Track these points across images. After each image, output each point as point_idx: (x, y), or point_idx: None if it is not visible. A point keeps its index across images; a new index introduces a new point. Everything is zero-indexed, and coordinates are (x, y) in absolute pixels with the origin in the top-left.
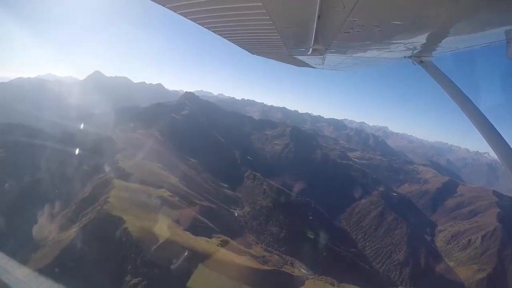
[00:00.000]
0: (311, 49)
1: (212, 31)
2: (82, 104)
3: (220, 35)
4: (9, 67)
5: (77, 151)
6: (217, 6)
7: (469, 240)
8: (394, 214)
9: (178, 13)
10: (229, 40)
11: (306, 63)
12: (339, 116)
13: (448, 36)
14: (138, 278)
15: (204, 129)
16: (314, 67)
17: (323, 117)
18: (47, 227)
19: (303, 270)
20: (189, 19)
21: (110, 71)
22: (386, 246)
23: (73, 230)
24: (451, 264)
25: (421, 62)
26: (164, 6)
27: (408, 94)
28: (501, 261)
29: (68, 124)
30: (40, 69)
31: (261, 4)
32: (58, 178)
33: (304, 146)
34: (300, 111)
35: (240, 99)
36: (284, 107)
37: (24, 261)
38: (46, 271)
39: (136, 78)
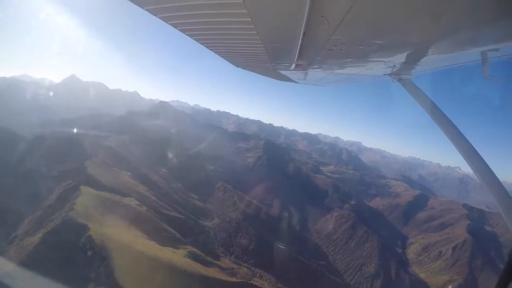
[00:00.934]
0: (294, 64)
1: (196, 40)
2: (56, 107)
3: (205, 45)
4: None
5: (47, 155)
6: (205, 18)
7: (440, 251)
8: (365, 227)
9: (158, 17)
10: (214, 51)
11: (289, 78)
12: (313, 131)
13: (426, 55)
14: (101, 287)
15: (176, 139)
16: (296, 82)
17: (297, 131)
18: (12, 232)
19: (272, 283)
20: (171, 24)
21: (86, 75)
22: (357, 259)
23: (38, 236)
24: (423, 275)
25: (400, 79)
26: (142, 8)
27: (382, 110)
28: (471, 271)
29: (39, 127)
30: (16, 69)
31: (250, 19)
32: (25, 182)
33: (277, 160)
34: (275, 125)
35: (215, 110)
36: (259, 120)
37: None
38: (7, 277)
39: (112, 85)
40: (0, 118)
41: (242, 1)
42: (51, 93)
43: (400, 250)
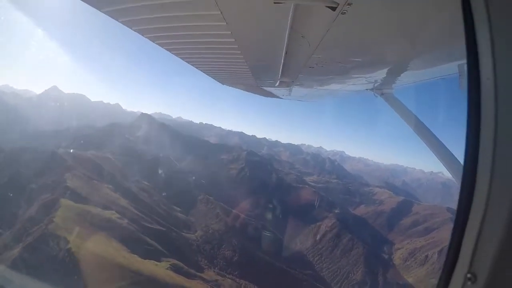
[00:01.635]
0: (278, 81)
1: (182, 58)
2: (37, 119)
3: (190, 64)
4: None
5: (26, 168)
6: (191, 39)
7: (426, 255)
8: (350, 235)
9: (145, 37)
10: (199, 70)
11: (274, 94)
12: (296, 141)
13: (406, 70)
14: None
15: (158, 152)
16: (281, 98)
17: (280, 142)
18: None
19: None
20: (158, 44)
21: (68, 87)
22: (343, 267)
23: (17, 250)
24: (410, 280)
25: (382, 94)
26: (131, 28)
27: (364, 120)
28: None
29: (19, 139)
30: None
31: (234, 40)
32: (4, 195)
33: (260, 171)
34: (258, 136)
35: (198, 122)
36: (241, 132)
37: None
38: None
39: (94, 97)
40: None
41: (225, 23)
42: (32, 105)
43: (386, 256)
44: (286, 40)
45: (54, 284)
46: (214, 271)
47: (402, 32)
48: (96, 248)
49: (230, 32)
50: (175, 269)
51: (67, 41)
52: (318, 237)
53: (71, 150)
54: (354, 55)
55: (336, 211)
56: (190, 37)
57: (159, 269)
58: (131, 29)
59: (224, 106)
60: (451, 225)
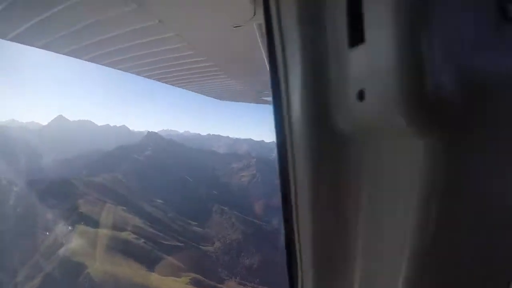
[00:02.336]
0: None
1: (179, 87)
2: (45, 150)
3: (188, 89)
4: None
5: (39, 200)
6: (179, 67)
7: None
8: None
9: (143, 76)
10: (197, 93)
11: None
12: None
13: None
14: None
15: (168, 168)
16: None
17: None
18: (13, 279)
19: None
20: (156, 79)
21: (73, 115)
22: None
23: (38, 280)
24: None
25: None
26: (115, 68)
27: None
28: None
29: (30, 172)
30: (2, 115)
31: (213, 63)
32: (20, 227)
33: (271, 175)
34: (266, 141)
35: (205, 134)
36: (250, 139)
37: None
38: None
39: (100, 121)
40: None
41: (205, 57)
42: (39, 136)
43: None
44: (265, 55)
45: None
46: (235, 281)
47: None
48: (114, 269)
49: (213, 63)
50: (196, 282)
51: (67, 69)
52: None
53: (82, 177)
54: None
55: None
56: (176, 67)
57: (180, 284)
58: (128, 72)
59: (230, 115)
60: None
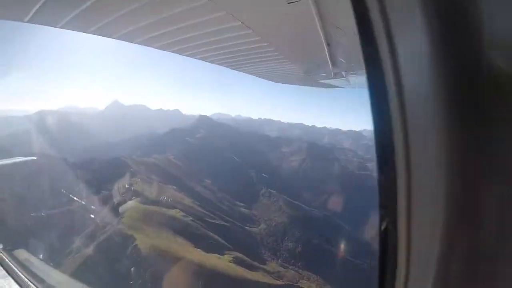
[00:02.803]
0: (332, 73)
1: (232, 68)
2: (104, 133)
3: (240, 71)
4: (32, 101)
5: (95, 178)
6: (230, 49)
7: None
8: None
9: (196, 58)
10: (251, 74)
11: (334, 85)
12: (358, 128)
13: None
14: None
15: (219, 151)
16: (342, 88)
17: (341, 130)
18: (68, 247)
19: (320, 285)
20: (200, 59)
21: (128, 99)
22: None
23: (89, 249)
24: None
25: None
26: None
27: None
28: None
29: (90, 153)
30: (62, 101)
31: (267, 43)
32: (77, 204)
33: (321, 161)
34: (317, 126)
35: (257, 118)
36: (301, 123)
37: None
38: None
39: (153, 105)
40: (49, 149)
41: (251, 31)
42: (96, 121)
43: None
44: (321, 33)
45: (124, 280)
46: (277, 263)
47: None
48: (160, 244)
49: (260, 38)
50: (238, 261)
51: (123, 55)
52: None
53: (136, 157)
54: None
55: None
56: (229, 48)
57: (222, 261)
58: (170, 51)
59: (282, 100)
60: None
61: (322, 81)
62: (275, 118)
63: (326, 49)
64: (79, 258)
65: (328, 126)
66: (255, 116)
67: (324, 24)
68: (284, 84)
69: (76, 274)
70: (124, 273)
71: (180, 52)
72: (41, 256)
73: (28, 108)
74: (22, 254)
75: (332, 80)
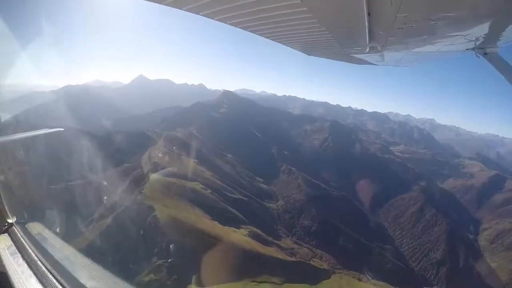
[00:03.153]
0: (368, 47)
1: (261, 35)
2: (127, 106)
3: (271, 39)
4: (59, 76)
5: (119, 149)
6: (265, 13)
7: None
8: (434, 210)
9: (215, 20)
10: (282, 43)
11: (366, 61)
12: (383, 110)
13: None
14: (163, 260)
15: (242, 126)
16: (375, 64)
17: (366, 111)
18: (90, 216)
19: (331, 264)
20: (238, 27)
21: (153, 74)
22: (423, 244)
23: (110, 218)
24: (494, 265)
25: (485, 54)
26: (198, 14)
27: (458, 84)
28: None
29: (112, 126)
30: (88, 76)
31: (306, 8)
32: (101, 172)
33: (343, 140)
34: (342, 105)
35: (281, 95)
36: (326, 102)
37: (67, 240)
38: (85, 251)
39: (178, 80)
40: (77, 122)
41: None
42: (121, 94)
43: (472, 236)
44: (364, 0)
45: (142, 246)
46: (291, 240)
47: None
48: (179, 214)
49: (300, 1)
50: (253, 236)
51: (150, 31)
52: (400, 210)
53: (159, 130)
54: (445, 9)
55: (422, 183)
56: (263, 12)
57: (238, 235)
58: (198, 14)
59: (307, 77)
60: None
61: (356, 55)
62: (299, 95)
63: (366, 19)
64: (97, 228)
65: (353, 106)
66: (280, 93)
67: None
68: (313, 61)
69: (92, 245)
70: (141, 243)
71: (220, 19)
72: (57, 229)
73: (55, 83)
74: (36, 227)
75: (366, 55)
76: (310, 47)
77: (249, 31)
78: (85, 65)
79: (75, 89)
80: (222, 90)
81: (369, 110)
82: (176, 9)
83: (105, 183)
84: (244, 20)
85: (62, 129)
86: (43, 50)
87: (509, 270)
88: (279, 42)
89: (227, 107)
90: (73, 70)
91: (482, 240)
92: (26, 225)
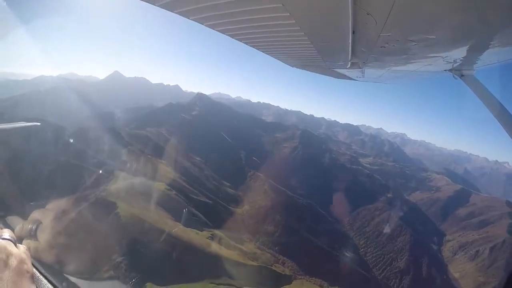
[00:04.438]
0: (349, 63)
1: (246, 43)
2: (100, 103)
3: (257, 49)
4: (32, 65)
5: (88, 146)
6: (252, 23)
7: (477, 251)
8: (399, 221)
9: (205, 25)
10: (267, 54)
11: (346, 76)
12: (356, 122)
13: (489, 48)
14: (122, 257)
15: (213, 130)
16: (355, 80)
17: (338, 122)
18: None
19: (293, 270)
20: (219, 31)
21: (129, 71)
22: (387, 253)
23: (73, 213)
24: (457, 275)
25: (462, 75)
26: (202, 24)
27: (430, 102)
28: (509, 274)
29: (83, 121)
30: (62, 68)
31: (295, 21)
32: (67, 169)
33: (313, 150)
34: (316, 116)
35: (256, 102)
36: (299, 111)
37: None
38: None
39: (154, 79)
40: (48, 114)
41: (281, 4)
42: (96, 89)
43: (435, 247)
44: (350, 18)
45: (103, 243)
46: (255, 245)
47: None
48: (141, 213)
49: (288, 14)
50: (216, 239)
51: (129, 29)
52: (366, 220)
53: (129, 129)
54: (427, 31)
55: (389, 195)
56: (252, 22)
57: (199, 237)
58: (189, 18)
59: (283, 85)
60: (509, 221)
61: (338, 70)
62: (274, 103)
63: (350, 36)
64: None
65: (326, 117)
66: (254, 99)
67: (355, 7)
68: (289, 70)
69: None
70: (102, 240)
71: (202, 21)
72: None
73: (28, 72)
74: (15, 221)
75: (347, 70)
76: (293, 59)
77: (227, 34)
78: (61, 56)
79: (49, 80)
80: (196, 93)
81: (342, 121)
82: (157, 8)
83: (71, 179)
84: (222, 22)
85: (39, 124)
86: (18, 38)
87: (472, 279)
88: (263, 51)
89: (199, 110)
90: (48, 61)
91: (446, 251)
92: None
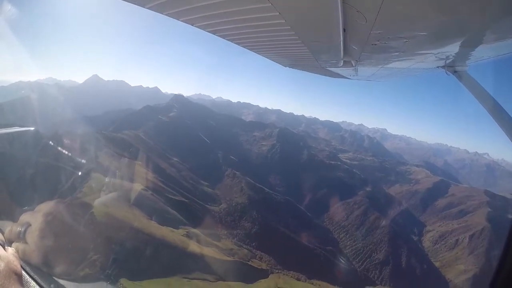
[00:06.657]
0: (342, 61)
1: (236, 43)
2: (79, 107)
3: (247, 48)
4: (9, 71)
5: (65, 150)
6: (242, 23)
7: (457, 240)
8: (377, 214)
9: (195, 26)
10: (258, 53)
11: (339, 75)
12: (337, 119)
13: (481, 44)
14: (97, 255)
15: (190, 131)
16: (348, 78)
17: (318, 119)
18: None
19: (271, 265)
20: (209, 31)
21: (108, 75)
22: (366, 246)
23: (52, 216)
24: (437, 264)
25: (455, 72)
26: (162, 13)
27: (411, 97)
28: (488, 261)
29: (61, 126)
30: (41, 73)
31: (284, 21)
32: (46, 173)
33: (291, 147)
34: (295, 114)
35: (236, 102)
36: (279, 110)
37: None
38: None
39: (133, 82)
40: (25, 120)
41: (270, 4)
42: (74, 93)
43: (416, 238)
44: (340, 16)
45: (79, 242)
46: (231, 241)
47: None
48: (117, 213)
49: (278, 13)
50: (191, 236)
51: (106, 31)
52: (345, 214)
53: (107, 132)
54: (417, 29)
55: (368, 188)
56: (241, 22)
57: (174, 235)
58: (178, 20)
59: (262, 84)
60: (488, 209)
61: (330, 68)
62: (254, 102)
63: (341, 34)
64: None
65: (306, 115)
66: (235, 99)
67: (345, 6)
68: (272, 70)
69: None
70: (78, 239)
71: (191, 22)
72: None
73: (4, 79)
74: (6, 225)
75: (339, 69)
76: (285, 58)
77: (218, 35)
78: (38, 61)
79: (27, 85)
80: (173, 94)
81: (322, 119)
82: (138, 9)
83: (50, 182)
84: (212, 23)
85: (32, 129)
86: None
87: (452, 268)
88: (254, 51)
89: (177, 111)
90: (26, 66)
91: (426, 242)
92: None
